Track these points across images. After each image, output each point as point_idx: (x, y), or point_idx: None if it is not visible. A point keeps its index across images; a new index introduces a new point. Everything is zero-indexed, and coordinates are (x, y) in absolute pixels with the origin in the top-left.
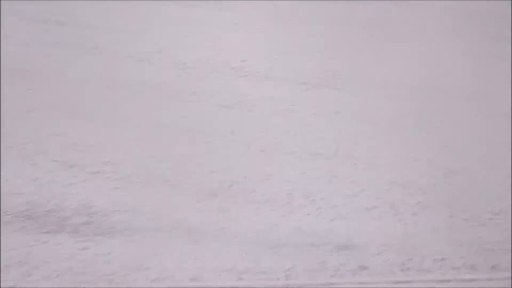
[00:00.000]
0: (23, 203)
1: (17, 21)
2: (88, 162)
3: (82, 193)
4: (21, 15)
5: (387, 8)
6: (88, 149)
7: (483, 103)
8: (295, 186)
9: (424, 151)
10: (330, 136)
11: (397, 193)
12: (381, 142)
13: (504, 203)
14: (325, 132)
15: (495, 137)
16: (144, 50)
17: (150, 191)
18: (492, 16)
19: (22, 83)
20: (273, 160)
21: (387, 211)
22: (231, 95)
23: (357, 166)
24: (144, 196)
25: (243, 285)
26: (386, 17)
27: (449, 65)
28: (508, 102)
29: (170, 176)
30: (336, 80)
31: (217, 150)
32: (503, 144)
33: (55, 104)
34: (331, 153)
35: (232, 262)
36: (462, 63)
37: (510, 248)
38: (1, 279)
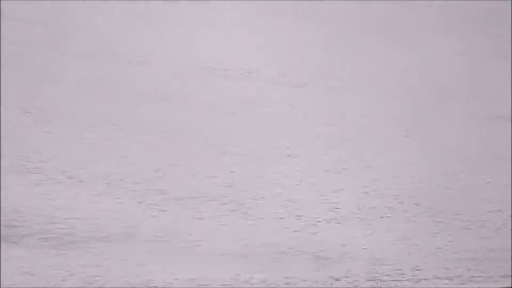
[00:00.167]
0: None
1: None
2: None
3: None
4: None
5: (387, 7)
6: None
7: (482, 103)
8: (268, 191)
9: (419, 153)
10: (311, 139)
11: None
12: (374, 144)
13: (496, 209)
14: (307, 135)
15: (495, 140)
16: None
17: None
18: (491, 15)
19: None
20: (239, 163)
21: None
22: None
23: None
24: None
25: None
26: (387, 17)
27: (449, 64)
28: (508, 103)
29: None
30: (328, 80)
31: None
32: (503, 147)
33: None
34: (316, 155)
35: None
36: (462, 63)
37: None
38: (1, 279)
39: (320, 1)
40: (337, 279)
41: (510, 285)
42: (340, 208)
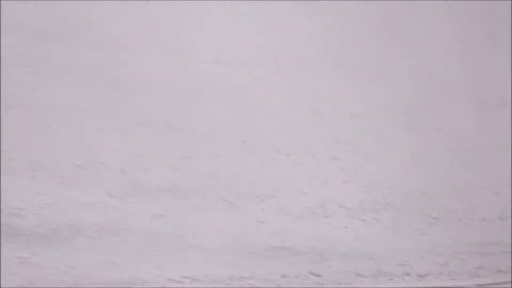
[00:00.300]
0: None
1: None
2: None
3: None
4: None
5: (387, 7)
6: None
7: (481, 103)
8: (251, 185)
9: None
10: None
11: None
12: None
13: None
14: (292, 127)
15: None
16: None
17: None
18: (491, 15)
19: None
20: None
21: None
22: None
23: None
24: None
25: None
26: (387, 16)
27: (449, 64)
28: (508, 103)
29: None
30: (311, 67)
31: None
32: (501, 148)
33: None
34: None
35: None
36: (462, 63)
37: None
38: (1, 279)
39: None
40: (318, 275)
41: (509, 280)
42: (328, 202)
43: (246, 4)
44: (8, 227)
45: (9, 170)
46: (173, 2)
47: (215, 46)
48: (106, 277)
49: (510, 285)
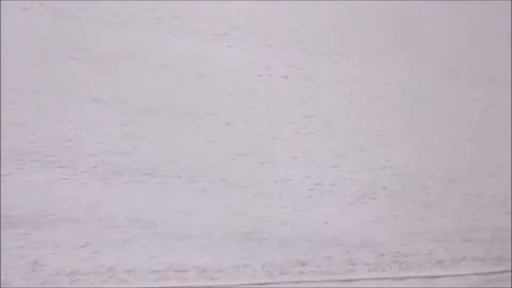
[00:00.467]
0: None
1: None
2: None
3: None
4: None
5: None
6: None
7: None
8: (226, 170)
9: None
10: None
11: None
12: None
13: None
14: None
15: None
16: None
17: None
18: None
19: None
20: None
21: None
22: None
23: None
24: None
25: None
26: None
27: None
28: (508, 103)
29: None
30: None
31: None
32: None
33: None
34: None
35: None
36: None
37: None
38: (1, 279)
39: None
40: (304, 263)
41: (506, 269)
42: (319, 185)
43: None
44: None
45: None
46: None
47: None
48: None
49: (511, 273)
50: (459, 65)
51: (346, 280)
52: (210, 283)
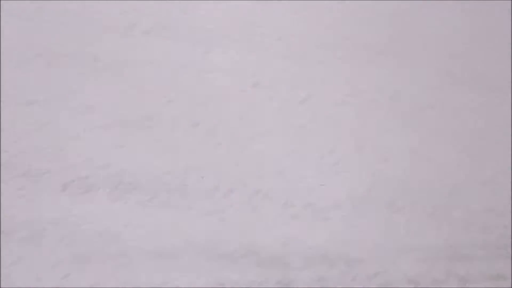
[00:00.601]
0: None
1: None
2: None
3: None
4: None
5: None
6: None
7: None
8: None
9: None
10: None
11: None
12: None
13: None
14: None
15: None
16: None
17: None
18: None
19: None
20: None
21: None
22: None
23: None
24: None
25: None
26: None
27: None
28: (508, 103)
29: None
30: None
31: None
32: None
33: None
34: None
35: None
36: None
37: None
38: (1, 279)
39: None
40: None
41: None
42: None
43: None
44: None
45: None
46: None
47: None
48: None
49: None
50: (459, 65)
51: None
52: None
